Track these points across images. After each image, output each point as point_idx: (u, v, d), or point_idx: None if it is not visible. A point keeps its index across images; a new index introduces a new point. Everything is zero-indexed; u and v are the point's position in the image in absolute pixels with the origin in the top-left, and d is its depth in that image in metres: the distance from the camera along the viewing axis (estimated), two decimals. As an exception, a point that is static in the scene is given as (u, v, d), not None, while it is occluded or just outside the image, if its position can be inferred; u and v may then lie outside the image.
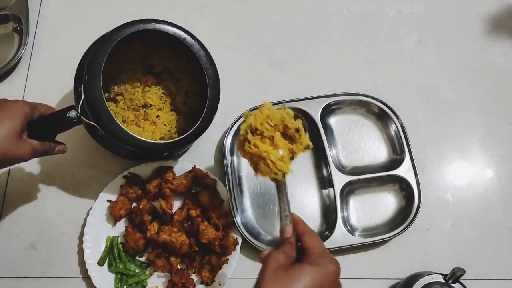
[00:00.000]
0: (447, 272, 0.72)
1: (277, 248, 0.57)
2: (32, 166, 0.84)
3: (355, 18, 0.98)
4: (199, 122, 0.74)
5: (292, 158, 0.64)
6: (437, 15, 0.99)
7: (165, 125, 0.82)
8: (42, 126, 0.69)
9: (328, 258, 0.56)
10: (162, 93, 0.83)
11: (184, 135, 0.74)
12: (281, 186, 0.63)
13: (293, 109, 0.85)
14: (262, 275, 0.53)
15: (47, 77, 0.90)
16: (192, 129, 0.73)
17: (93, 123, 0.69)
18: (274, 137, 0.63)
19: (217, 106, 0.76)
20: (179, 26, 0.75)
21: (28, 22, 0.92)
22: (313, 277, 0.52)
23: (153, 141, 0.74)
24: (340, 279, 0.57)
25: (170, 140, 0.75)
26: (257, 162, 0.63)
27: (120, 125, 0.69)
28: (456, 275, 0.70)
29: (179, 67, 0.83)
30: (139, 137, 0.71)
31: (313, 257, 0.55)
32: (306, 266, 0.53)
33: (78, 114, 0.68)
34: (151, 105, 0.82)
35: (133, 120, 0.81)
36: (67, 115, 0.68)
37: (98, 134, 0.72)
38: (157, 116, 0.82)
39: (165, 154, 0.80)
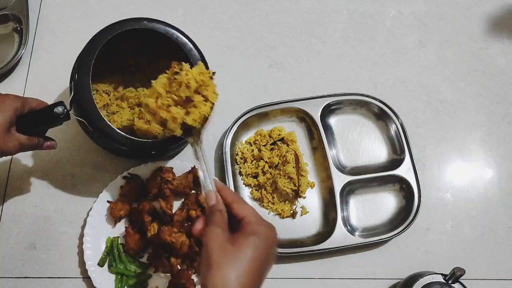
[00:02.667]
0: (447, 272, 0.72)
1: (208, 218, 0.56)
2: (32, 165, 0.84)
3: (355, 18, 0.98)
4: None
5: (205, 119, 0.64)
6: (437, 15, 0.99)
7: None
8: (31, 120, 0.69)
9: (265, 225, 0.56)
10: None
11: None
12: (197, 149, 0.62)
13: (293, 109, 0.86)
14: (208, 253, 0.52)
15: (47, 77, 0.90)
16: None
17: (81, 119, 0.71)
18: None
19: None
20: (171, 25, 0.75)
21: (28, 22, 0.92)
22: (257, 246, 0.53)
23: (139, 139, 0.73)
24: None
25: (157, 139, 0.75)
26: (164, 122, 0.62)
27: (107, 121, 0.70)
28: (456, 275, 0.70)
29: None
30: (124, 134, 0.71)
31: (251, 226, 0.55)
32: (250, 238, 0.53)
33: (66, 110, 0.69)
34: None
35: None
36: (54, 110, 0.68)
37: (88, 131, 0.73)
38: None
39: (152, 152, 0.79)
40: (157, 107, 0.61)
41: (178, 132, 0.62)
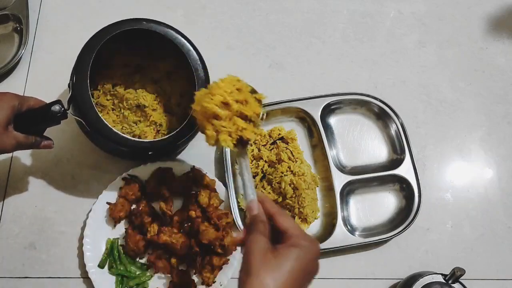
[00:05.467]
0: (447, 272, 0.72)
1: (250, 227, 0.55)
2: (33, 166, 0.84)
3: (355, 18, 0.98)
4: (184, 124, 0.73)
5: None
6: (437, 15, 0.99)
7: (159, 125, 0.82)
8: (29, 119, 0.70)
9: (309, 240, 0.55)
10: (157, 93, 0.83)
11: (167, 136, 0.74)
12: (243, 158, 0.62)
13: (293, 109, 0.86)
14: (249, 260, 0.52)
15: (47, 77, 0.90)
16: (175, 131, 0.73)
17: (79, 119, 0.71)
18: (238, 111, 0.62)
19: None
20: (170, 26, 0.75)
21: (28, 22, 0.91)
22: (299, 258, 0.52)
23: (136, 139, 0.74)
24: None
25: (154, 140, 0.75)
26: (218, 130, 0.61)
27: (105, 121, 0.70)
28: (456, 275, 0.70)
29: (176, 68, 0.83)
30: (122, 134, 0.72)
31: (294, 239, 0.54)
32: (292, 249, 0.53)
33: (62, 109, 0.69)
34: (145, 106, 0.82)
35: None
36: (51, 109, 0.68)
37: (86, 131, 0.74)
38: (150, 116, 0.82)
39: (149, 153, 0.79)
40: (223, 115, 0.61)
41: (230, 146, 0.62)
